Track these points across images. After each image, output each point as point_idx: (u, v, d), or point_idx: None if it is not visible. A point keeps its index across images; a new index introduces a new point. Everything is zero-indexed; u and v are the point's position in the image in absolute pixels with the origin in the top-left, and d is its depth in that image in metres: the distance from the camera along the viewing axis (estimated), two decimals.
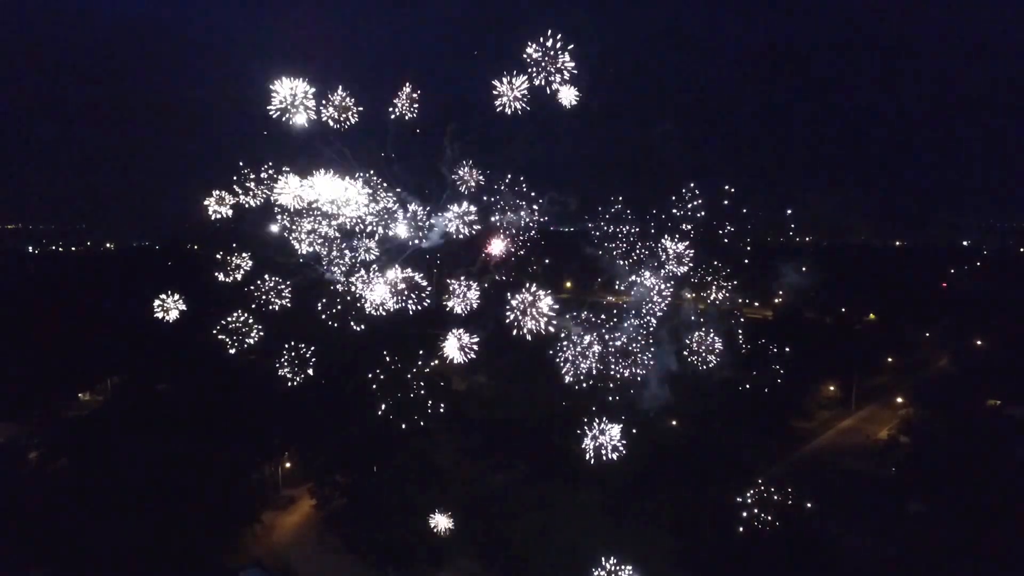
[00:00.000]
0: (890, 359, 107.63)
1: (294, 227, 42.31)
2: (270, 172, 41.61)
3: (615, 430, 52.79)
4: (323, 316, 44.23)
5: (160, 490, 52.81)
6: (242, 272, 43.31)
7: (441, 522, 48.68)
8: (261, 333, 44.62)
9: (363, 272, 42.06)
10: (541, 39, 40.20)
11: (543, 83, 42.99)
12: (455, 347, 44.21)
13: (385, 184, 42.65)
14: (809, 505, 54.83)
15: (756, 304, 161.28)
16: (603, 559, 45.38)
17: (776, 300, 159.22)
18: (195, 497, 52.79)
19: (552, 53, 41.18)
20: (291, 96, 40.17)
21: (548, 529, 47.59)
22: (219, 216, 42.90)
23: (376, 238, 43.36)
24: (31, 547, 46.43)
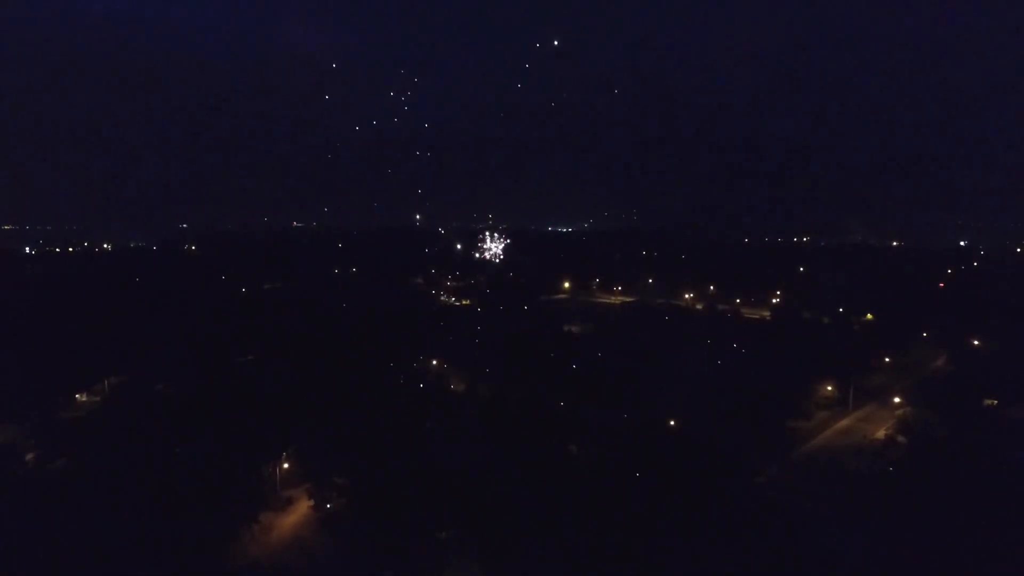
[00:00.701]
0: (888, 359, 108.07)
1: None
2: None
3: (615, 430, 52.82)
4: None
5: (157, 491, 52.74)
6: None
7: (442, 524, 48.55)
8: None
9: None
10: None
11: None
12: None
13: None
14: (807, 505, 54.92)
15: (755, 304, 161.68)
16: (602, 560, 45.39)
17: (774, 300, 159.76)
18: (192, 498, 52.72)
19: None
20: None
21: (548, 530, 47.56)
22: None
23: None
24: (29, 549, 46.32)
